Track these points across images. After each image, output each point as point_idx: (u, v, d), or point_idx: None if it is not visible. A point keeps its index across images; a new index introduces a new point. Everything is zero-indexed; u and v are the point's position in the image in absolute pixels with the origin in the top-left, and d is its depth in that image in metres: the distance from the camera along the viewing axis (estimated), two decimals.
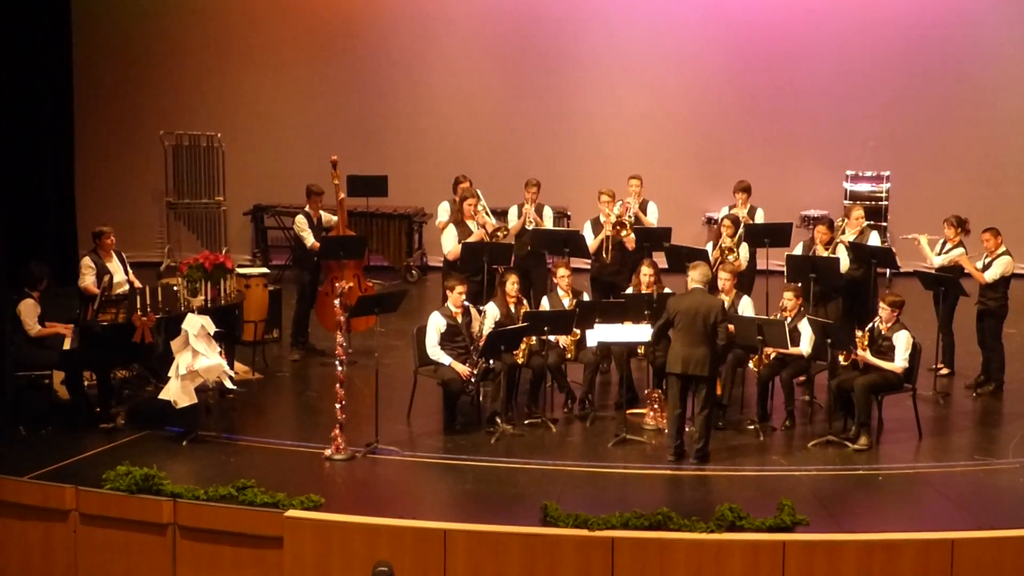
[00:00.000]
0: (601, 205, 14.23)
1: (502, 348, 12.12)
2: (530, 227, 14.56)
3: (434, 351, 12.32)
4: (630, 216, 14.43)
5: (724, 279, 12.80)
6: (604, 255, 14.19)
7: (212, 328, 11.92)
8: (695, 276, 11.69)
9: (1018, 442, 12.11)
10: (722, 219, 14.37)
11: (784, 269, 13.70)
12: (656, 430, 12.19)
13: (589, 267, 14.63)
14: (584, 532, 10.04)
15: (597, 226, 14.28)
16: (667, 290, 12.80)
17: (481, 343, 12.20)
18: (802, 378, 12.83)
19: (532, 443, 12.04)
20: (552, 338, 12.70)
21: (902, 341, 11.99)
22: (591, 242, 14.20)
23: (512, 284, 12.75)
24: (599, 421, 12.57)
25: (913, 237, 14.06)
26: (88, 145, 18.16)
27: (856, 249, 13.75)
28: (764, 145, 18.72)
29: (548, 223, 14.85)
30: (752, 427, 12.28)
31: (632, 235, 14.13)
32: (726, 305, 12.68)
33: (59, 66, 16.75)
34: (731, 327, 12.37)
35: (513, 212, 14.77)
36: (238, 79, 19.09)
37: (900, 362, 11.98)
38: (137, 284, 13.09)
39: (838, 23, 18.59)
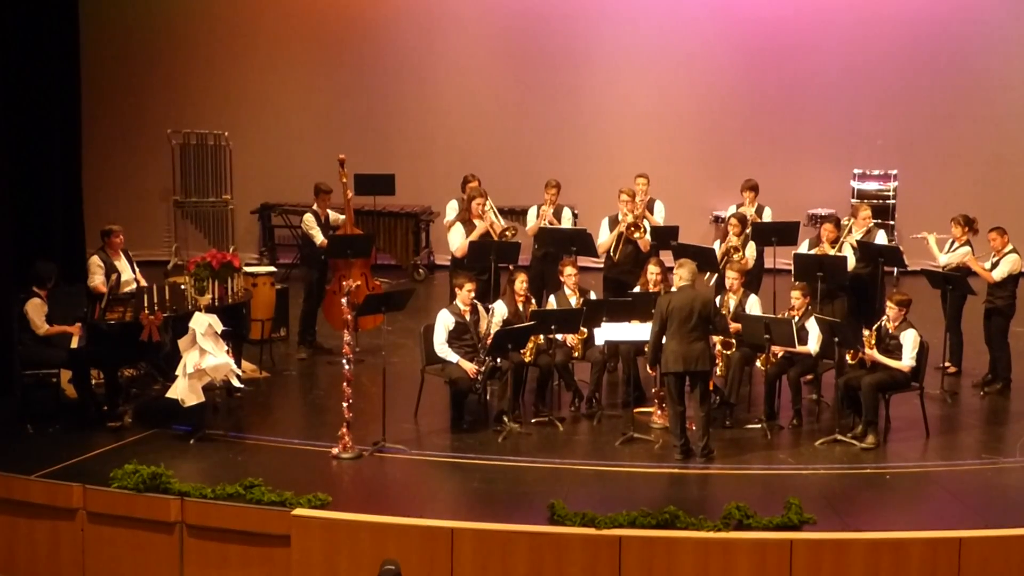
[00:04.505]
0: (620, 204, 14.20)
1: (509, 347, 12.12)
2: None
3: (441, 348, 12.33)
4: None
5: (731, 278, 12.81)
6: (613, 254, 14.16)
7: (219, 327, 11.93)
8: (683, 274, 11.69)
9: None
10: (729, 217, 14.38)
11: (791, 268, 13.70)
12: (663, 429, 12.17)
13: (602, 266, 14.61)
14: (591, 531, 10.04)
15: (615, 223, 14.23)
16: (674, 288, 12.79)
17: (488, 341, 12.19)
18: (809, 377, 12.82)
19: (539, 442, 12.04)
20: (559, 337, 12.70)
21: (909, 340, 11.99)
22: (606, 238, 14.16)
23: (521, 283, 12.75)
24: (606, 420, 12.57)
25: (922, 236, 14.05)
26: (95, 144, 18.15)
27: (864, 248, 13.74)
28: (771, 143, 18.70)
29: (567, 225, 14.76)
30: (759, 425, 12.27)
31: (647, 238, 14.07)
32: (734, 304, 12.72)
33: (67, 65, 16.75)
34: (737, 325, 12.43)
35: (532, 213, 14.74)
36: (245, 77, 19.10)
37: (907, 361, 11.97)
38: (143, 283, 13.10)
39: (845, 21, 18.56)
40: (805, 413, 12.57)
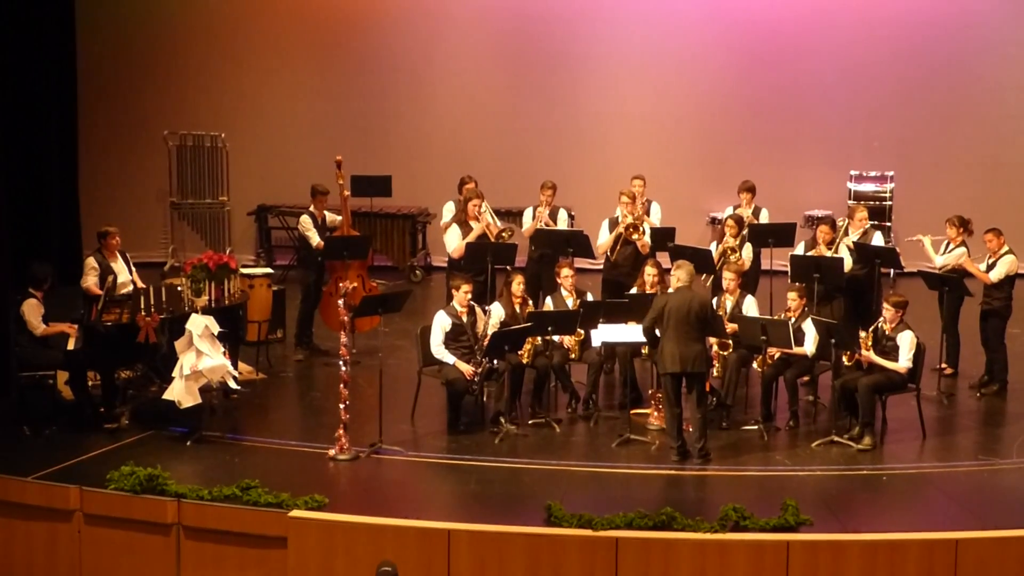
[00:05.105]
0: (620, 206, 14.20)
1: (506, 348, 12.12)
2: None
3: (438, 350, 12.32)
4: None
5: (728, 279, 12.82)
6: (610, 255, 14.16)
7: (216, 328, 11.92)
8: (681, 276, 11.67)
9: (1022, 442, 12.11)
10: (726, 219, 14.39)
11: (788, 269, 13.70)
12: (660, 430, 12.17)
13: (599, 267, 14.60)
14: (588, 532, 10.04)
15: (614, 225, 14.23)
16: (670, 290, 12.79)
17: (485, 343, 12.19)
18: (806, 378, 12.83)
19: (536, 443, 12.04)
20: (556, 338, 12.71)
21: (906, 341, 11.99)
22: (606, 239, 14.16)
23: (518, 284, 12.76)
24: (603, 421, 12.57)
25: (917, 239, 14.06)
26: (92, 145, 18.18)
27: (860, 249, 13.75)
28: (768, 145, 18.70)
29: (563, 227, 14.75)
30: (756, 427, 12.28)
31: (645, 240, 14.06)
32: (730, 305, 12.72)
33: (63, 66, 16.78)
34: (734, 326, 12.43)
35: (528, 214, 14.74)
36: (242, 79, 19.09)
37: (904, 362, 11.98)
38: (140, 284, 13.10)
39: (842, 23, 18.58)
40: (802, 414, 12.57)
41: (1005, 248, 13.45)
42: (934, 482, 11.27)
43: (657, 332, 11.64)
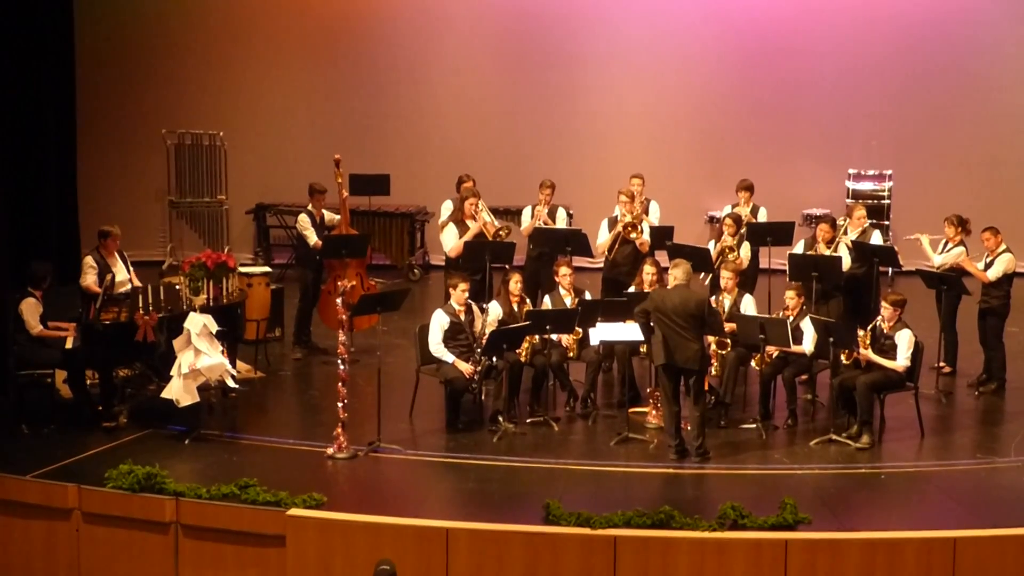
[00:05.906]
0: (619, 205, 14.20)
1: (504, 347, 12.12)
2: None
3: (437, 348, 12.32)
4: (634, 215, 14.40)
5: (726, 278, 12.82)
6: (608, 255, 14.16)
7: (214, 327, 11.93)
8: (678, 274, 11.67)
9: (1020, 440, 12.11)
10: (724, 217, 14.39)
11: (786, 268, 13.71)
12: (658, 428, 12.18)
13: (598, 266, 14.59)
14: (586, 531, 10.04)
15: (614, 224, 14.24)
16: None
17: (483, 341, 12.19)
18: (804, 377, 12.84)
19: (534, 442, 12.04)
20: (554, 337, 12.71)
21: (904, 340, 12.00)
22: (605, 239, 14.16)
23: (515, 283, 12.75)
24: (601, 420, 12.58)
25: (915, 238, 14.06)
26: (90, 144, 18.14)
27: (858, 248, 13.76)
28: (766, 144, 18.70)
29: (561, 226, 14.76)
30: (754, 425, 12.28)
31: (644, 238, 14.06)
32: (728, 304, 12.72)
33: (61, 65, 16.73)
34: (732, 325, 12.43)
35: (527, 213, 14.73)
36: (240, 78, 19.09)
37: (902, 361, 11.99)
38: (137, 283, 13.09)
39: (840, 21, 18.58)
40: (800, 413, 12.58)
41: (1003, 247, 13.45)
42: (932, 480, 11.28)
43: (652, 324, 11.64)
